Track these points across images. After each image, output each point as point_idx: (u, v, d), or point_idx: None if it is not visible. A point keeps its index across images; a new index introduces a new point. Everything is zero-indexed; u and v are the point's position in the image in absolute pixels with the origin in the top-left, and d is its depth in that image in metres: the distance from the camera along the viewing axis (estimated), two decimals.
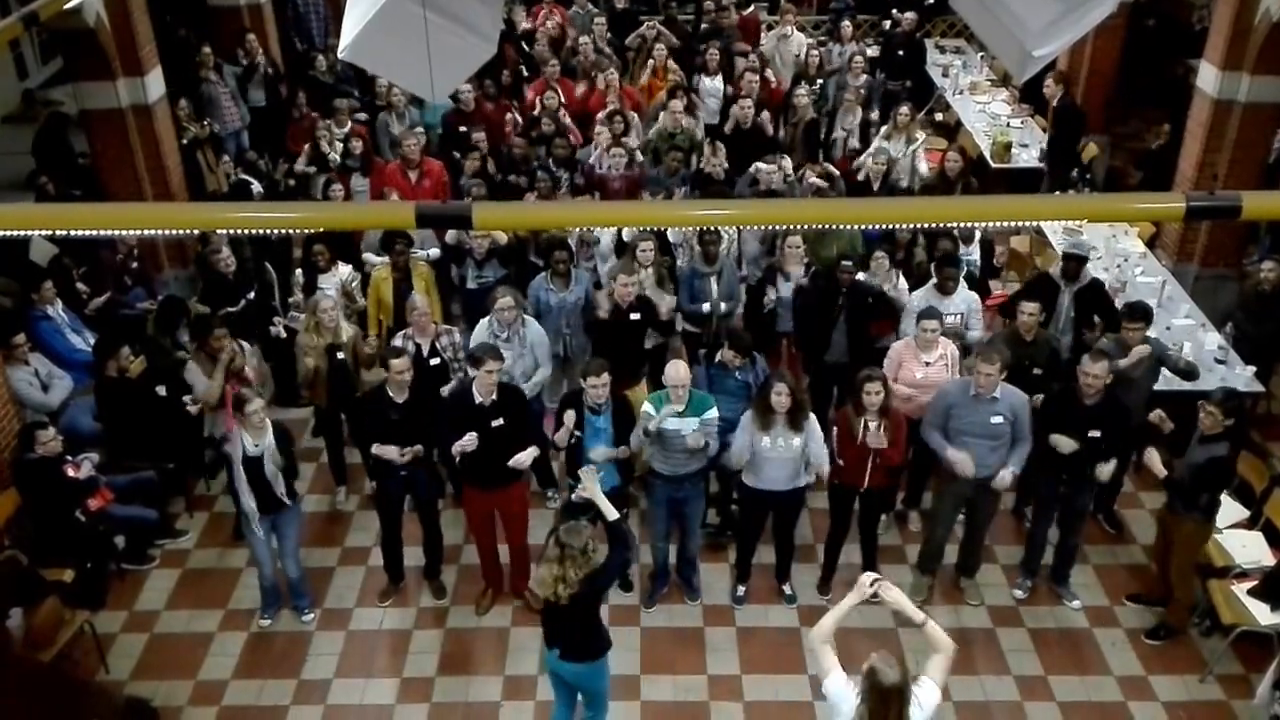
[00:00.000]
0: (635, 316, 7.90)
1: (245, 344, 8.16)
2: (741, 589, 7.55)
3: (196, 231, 8.29)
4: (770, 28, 15.60)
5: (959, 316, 7.90)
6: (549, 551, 5.52)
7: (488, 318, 7.63)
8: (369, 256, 9.24)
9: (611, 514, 5.74)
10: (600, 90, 11.38)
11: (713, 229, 8.16)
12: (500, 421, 6.76)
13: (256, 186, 10.53)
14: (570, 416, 6.86)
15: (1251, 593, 6.86)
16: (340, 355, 7.83)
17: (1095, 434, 6.79)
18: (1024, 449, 6.90)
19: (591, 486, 5.82)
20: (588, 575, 5.49)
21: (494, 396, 6.76)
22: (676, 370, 6.80)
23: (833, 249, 8.58)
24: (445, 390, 7.59)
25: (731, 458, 6.96)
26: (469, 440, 6.67)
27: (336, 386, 7.85)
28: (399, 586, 7.66)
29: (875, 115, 12.16)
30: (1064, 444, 6.82)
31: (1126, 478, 8.14)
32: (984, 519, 7.38)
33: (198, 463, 8.51)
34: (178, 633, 7.39)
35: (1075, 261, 8.17)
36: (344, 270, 8.90)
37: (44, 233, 7.27)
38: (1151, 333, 7.65)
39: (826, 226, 8.21)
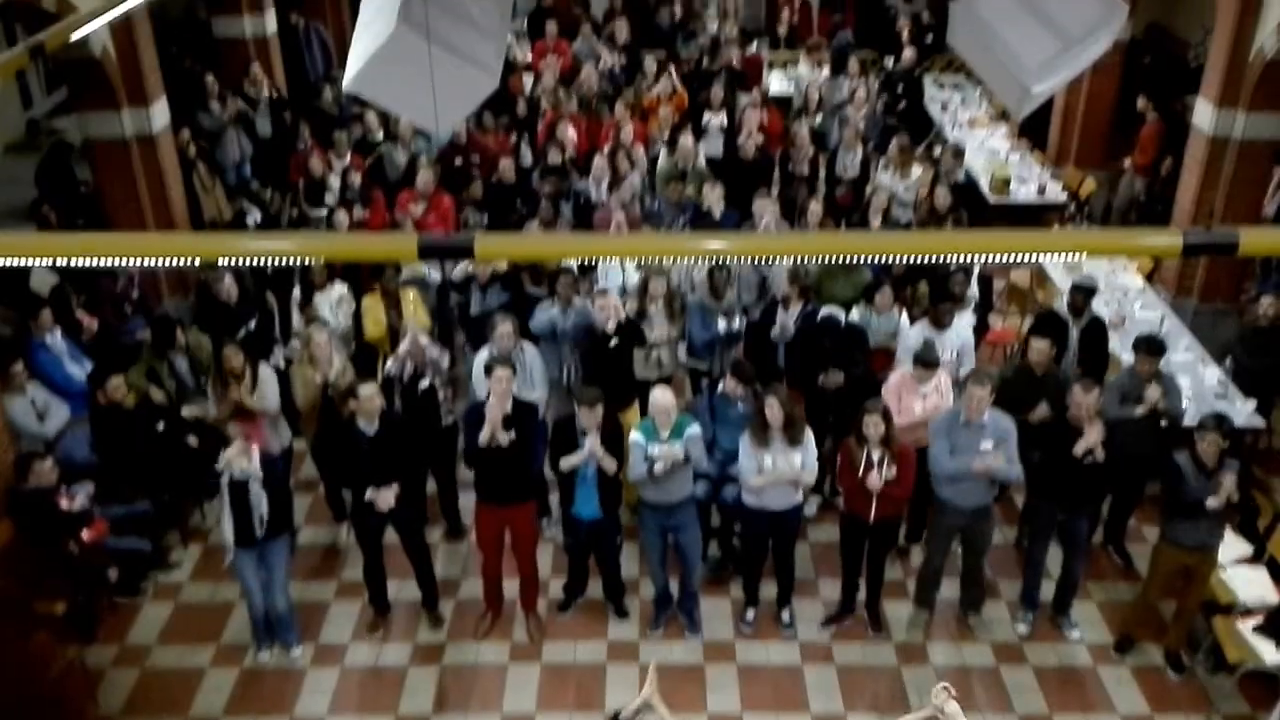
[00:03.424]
0: (615, 342, 7.87)
1: (264, 364, 8.11)
2: (750, 613, 7.54)
3: (199, 261, 8.28)
4: (772, 65, 15.80)
5: (953, 353, 7.90)
6: None
7: (488, 345, 7.64)
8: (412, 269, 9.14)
9: None
10: (606, 124, 11.45)
11: (723, 267, 8.20)
12: (512, 435, 6.79)
13: (253, 217, 10.54)
14: (593, 439, 6.77)
15: (1257, 630, 6.82)
16: (330, 391, 7.77)
17: (1091, 459, 6.77)
18: (1014, 470, 6.88)
19: (653, 688, 5.42)
20: None
21: (507, 410, 6.80)
22: (662, 397, 6.86)
23: (842, 288, 8.64)
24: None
25: (744, 481, 6.96)
26: (500, 434, 6.71)
27: (325, 422, 7.79)
28: (385, 618, 7.60)
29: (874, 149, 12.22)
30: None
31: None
32: (980, 549, 7.34)
33: (194, 493, 8.47)
34: (170, 667, 7.30)
35: (1083, 294, 8.18)
36: (338, 289, 8.95)
37: (45, 261, 7.26)
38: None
39: (832, 262, 8.29)
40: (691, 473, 7.00)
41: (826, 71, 13.51)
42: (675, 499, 7.00)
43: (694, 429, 6.93)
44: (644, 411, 8.27)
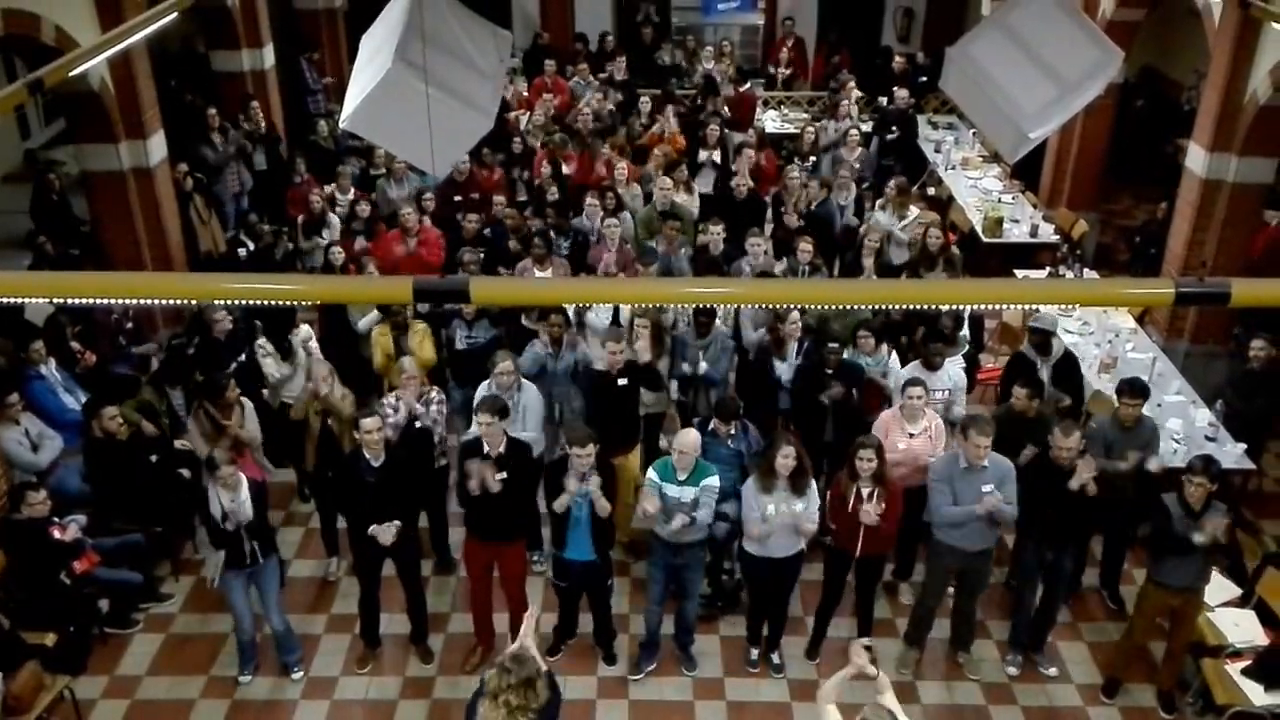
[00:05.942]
0: (623, 381, 7.88)
1: (246, 400, 8.13)
2: (754, 652, 7.53)
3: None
4: (766, 104, 15.90)
5: (945, 393, 7.94)
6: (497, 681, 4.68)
7: (488, 381, 7.63)
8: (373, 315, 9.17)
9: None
10: (599, 161, 11.55)
11: (707, 307, 8.22)
12: (504, 475, 6.78)
13: (244, 250, 10.58)
14: (573, 483, 6.72)
15: (1245, 672, 6.80)
16: (330, 421, 7.78)
17: (1074, 491, 6.77)
18: (1009, 512, 6.88)
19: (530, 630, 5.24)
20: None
21: (501, 449, 6.81)
22: (688, 437, 6.85)
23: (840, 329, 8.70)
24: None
25: (746, 530, 6.93)
26: (490, 480, 6.70)
27: (325, 452, 7.80)
28: (375, 651, 7.58)
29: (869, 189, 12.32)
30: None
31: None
32: (975, 591, 7.35)
33: (187, 525, 8.45)
34: (159, 699, 7.26)
35: (1041, 334, 8.25)
36: (303, 330, 8.96)
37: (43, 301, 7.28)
38: (1145, 410, 7.67)
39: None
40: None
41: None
42: (687, 539, 6.99)
43: (712, 480, 6.88)
44: (645, 453, 8.30)
